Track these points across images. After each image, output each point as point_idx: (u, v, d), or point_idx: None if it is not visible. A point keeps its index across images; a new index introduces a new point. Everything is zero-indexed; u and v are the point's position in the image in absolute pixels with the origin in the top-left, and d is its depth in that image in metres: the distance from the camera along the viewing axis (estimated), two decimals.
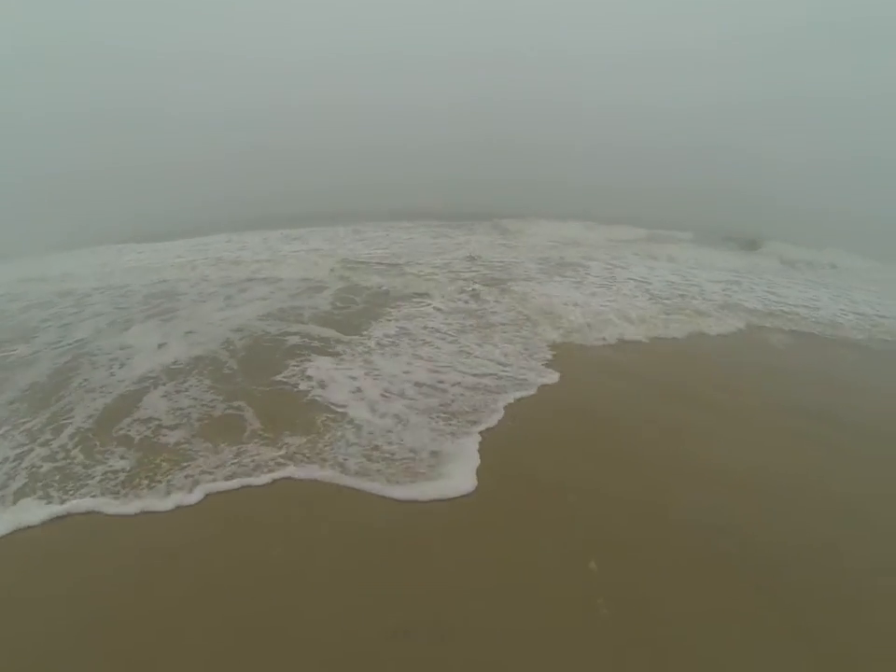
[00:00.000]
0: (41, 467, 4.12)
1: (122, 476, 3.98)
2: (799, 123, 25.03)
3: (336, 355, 6.23)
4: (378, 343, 6.54)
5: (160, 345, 6.78)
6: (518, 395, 5.27)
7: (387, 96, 29.48)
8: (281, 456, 4.16)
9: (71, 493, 3.79)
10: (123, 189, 20.78)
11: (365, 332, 6.93)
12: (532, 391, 5.37)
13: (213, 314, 8.07)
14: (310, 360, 6.04)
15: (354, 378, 5.64)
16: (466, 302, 8.29)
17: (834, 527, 3.45)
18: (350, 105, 28.83)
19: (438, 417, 4.82)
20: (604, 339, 6.93)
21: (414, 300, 8.44)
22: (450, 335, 6.92)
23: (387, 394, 5.32)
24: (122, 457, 4.23)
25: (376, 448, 4.31)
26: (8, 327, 8.00)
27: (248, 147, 25.80)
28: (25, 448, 4.40)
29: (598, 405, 5.28)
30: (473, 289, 8.74)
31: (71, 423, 4.78)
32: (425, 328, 7.13)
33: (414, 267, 10.59)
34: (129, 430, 4.66)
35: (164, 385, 5.59)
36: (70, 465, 4.15)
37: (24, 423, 4.85)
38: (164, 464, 4.11)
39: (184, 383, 5.65)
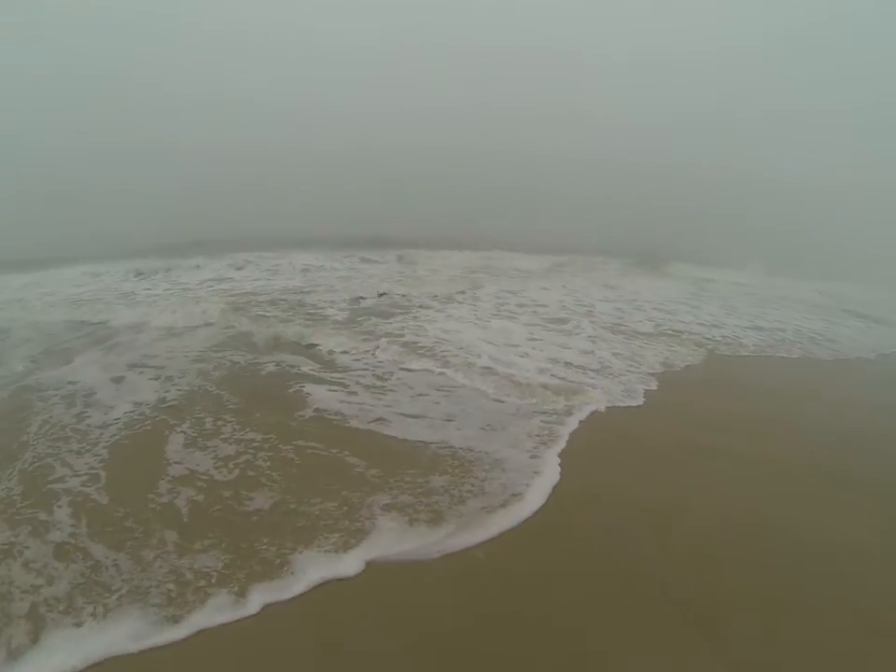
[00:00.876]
0: (53, 577, 2.35)
1: (204, 581, 2.41)
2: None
3: (342, 386, 4.94)
4: (376, 375, 5.29)
5: (114, 378, 4.92)
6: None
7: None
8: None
9: (102, 617, 2.18)
10: None
11: (342, 364, 5.60)
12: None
13: (156, 343, 6.19)
14: (311, 393, 4.72)
15: (414, 417, 4.36)
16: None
17: (747, 545, 3.08)
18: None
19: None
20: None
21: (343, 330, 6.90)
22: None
23: (488, 427, 4.26)
24: (195, 548, 2.60)
25: None
26: None
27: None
28: (12, 539, 2.55)
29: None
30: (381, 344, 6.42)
31: (64, 489, 2.95)
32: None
33: (327, 301, 8.85)
34: (174, 498, 3.00)
35: (178, 427, 3.89)
36: (100, 569, 2.44)
37: None
38: (291, 546, 2.59)
39: (200, 425, 3.99)
